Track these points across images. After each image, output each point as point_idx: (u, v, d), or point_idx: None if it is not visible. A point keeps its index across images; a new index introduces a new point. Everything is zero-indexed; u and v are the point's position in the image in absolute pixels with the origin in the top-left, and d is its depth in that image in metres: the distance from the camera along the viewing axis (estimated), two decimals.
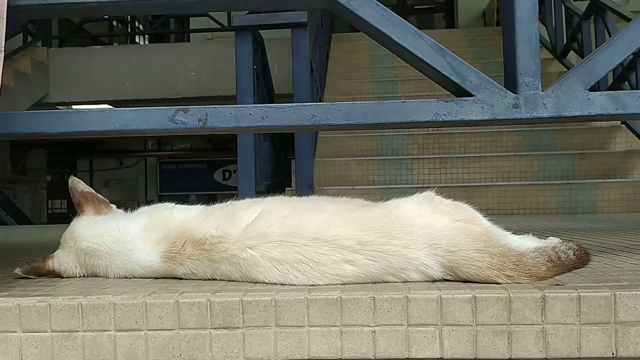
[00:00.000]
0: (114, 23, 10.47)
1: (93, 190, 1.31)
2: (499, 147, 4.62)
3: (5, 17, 1.15)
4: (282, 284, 1.07)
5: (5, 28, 1.15)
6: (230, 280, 1.13)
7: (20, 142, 9.43)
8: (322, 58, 5.64)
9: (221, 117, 1.29)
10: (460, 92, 1.27)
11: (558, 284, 1.02)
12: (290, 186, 4.10)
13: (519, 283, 1.03)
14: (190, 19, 9.13)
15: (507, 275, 1.03)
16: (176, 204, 1.31)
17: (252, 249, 1.09)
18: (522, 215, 3.74)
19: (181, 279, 1.17)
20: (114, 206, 1.33)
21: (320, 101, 4.78)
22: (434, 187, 1.21)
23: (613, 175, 4.24)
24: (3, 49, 1.14)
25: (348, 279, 1.07)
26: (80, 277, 1.24)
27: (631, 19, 4.25)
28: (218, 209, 1.22)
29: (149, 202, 1.34)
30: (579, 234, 2.01)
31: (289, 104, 1.29)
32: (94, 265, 1.22)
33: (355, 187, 4.17)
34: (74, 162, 13.11)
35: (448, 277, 1.07)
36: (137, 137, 11.84)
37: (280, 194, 1.44)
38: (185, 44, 8.66)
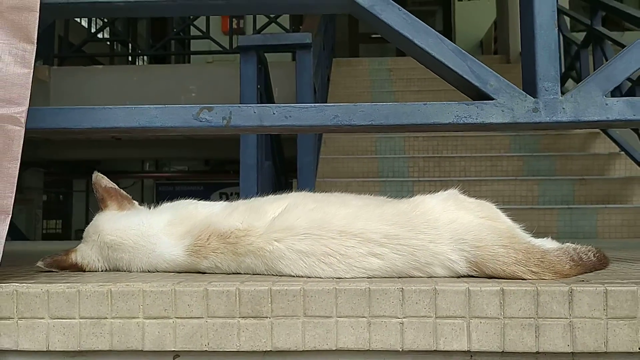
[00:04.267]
0: (115, 45, 10.56)
1: (116, 186, 1.32)
2: (499, 172, 4.65)
3: (38, 10, 1.18)
4: (308, 277, 1.08)
5: (37, 21, 1.17)
6: (254, 274, 1.13)
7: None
8: (324, 81, 5.70)
9: (245, 116, 1.31)
10: (480, 95, 1.30)
11: (583, 281, 1.03)
12: None
13: (543, 279, 1.04)
14: (191, 41, 9.23)
15: (532, 271, 1.04)
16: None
17: (278, 241, 1.10)
18: None
19: (204, 273, 1.17)
20: (136, 202, 1.34)
21: None
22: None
23: (613, 201, 4.25)
24: (35, 41, 1.17)
25: (374, 273, 1.07)
26: (102, 271, 1.24)
27: None
28: (242, 204, 1.23)
29: None
30: None
31: (312, 104, 1.31)
32: (117, 259, 1.22)
33: None
34: (70, 182, 13.06)
35: (473, 273, 1.07)
36: (134, 159, 11.86)
37: None
38: (186, 65, 8.72)
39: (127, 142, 7.59)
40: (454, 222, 1.08)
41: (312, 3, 1.37)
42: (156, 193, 12.48)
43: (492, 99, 1.28)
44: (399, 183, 4.42)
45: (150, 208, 1.32)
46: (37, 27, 1.17)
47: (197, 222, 1.19)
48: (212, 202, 1.29)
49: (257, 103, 3.67)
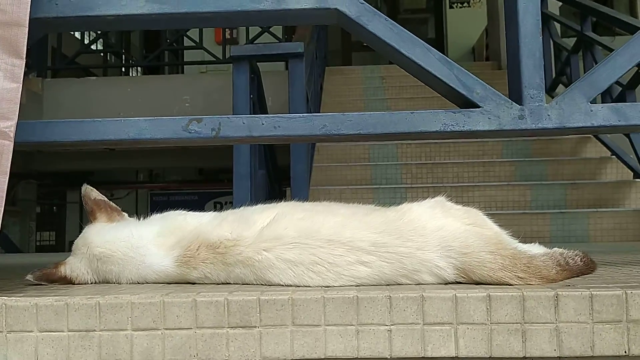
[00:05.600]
0: (108, 57, 10.56)
1: (106, 198, 1.33)
2: (492, 177, 4.66)
3: (27, 25, 1.18)
4: (297, 286, 1.09)
5: (27, 36, 1.18)
6: (244, 284, 1.14)
7: (11, 173, 9.35)
8: (317, 89, 5.72)
9: (234, 127, 1.32)
10: (466, 103, 1.31)
11: (569, 285, 1.04)
12: None
13: (530, 285, 1.05)
14: (185, 52, 9.24)
15: (519, 277, 1.05)
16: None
17: (267, 251, 1.11)
18: None
19: (194, 283, 1.17)
20: (125, 214, 1.35)
21: None
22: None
23: (605, 205, 4.27)
24: (25, 56, 1.17)
25: (362, 281, 1.08)
26: (91, 283, 1.24)
27: None
28: (231, 214, 1.23)
29: None
30: None
31: (301, 114, 1.32)
32: (106, 271, 1.22)
33: None
34: (64, 194, 13.03)
35: (460, 280, 1.08)
36: (128, 169, 11.84)
37: None
38: (179, 76, 8.72)
39: (120, 153, 7.58)
40: (441, 229, 1.09)
41: (300, 15, 1.38)
42: (150, 203, 12.44)
43: (479, 106, 1.29)
44: (392, 190, 4.43)
45: (139, 219, 1.32)
46: (26, 42, 1.18)
47: (187, 232, 1.19)
48: (201, 213, 1.29)
49: (250, 112, 3.68)
